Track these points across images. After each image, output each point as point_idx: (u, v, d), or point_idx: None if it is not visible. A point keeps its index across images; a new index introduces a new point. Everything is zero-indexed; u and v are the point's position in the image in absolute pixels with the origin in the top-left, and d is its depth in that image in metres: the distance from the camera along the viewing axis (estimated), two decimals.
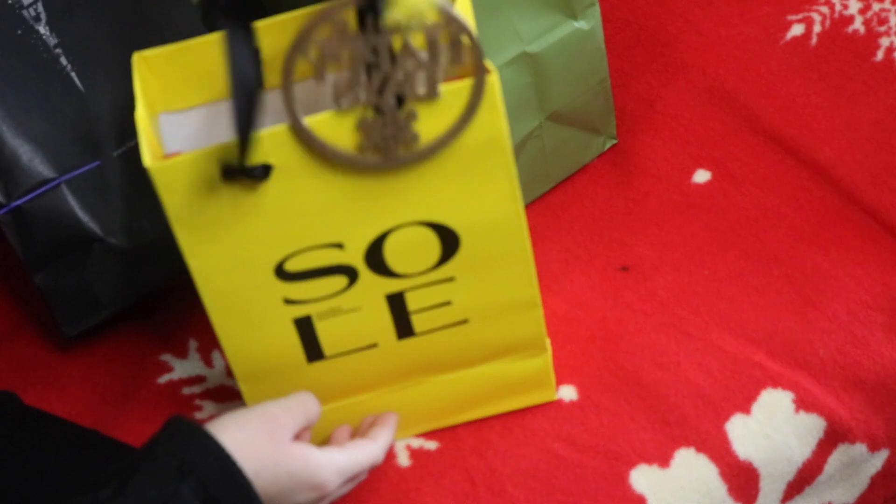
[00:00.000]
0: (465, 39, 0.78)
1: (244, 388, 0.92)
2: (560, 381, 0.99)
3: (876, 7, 1.19)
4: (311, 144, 0.80)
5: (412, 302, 0.89)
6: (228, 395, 1.02)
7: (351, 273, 0.87)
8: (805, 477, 0.99)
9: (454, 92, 0.80)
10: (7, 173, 0.96)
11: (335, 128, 0.80)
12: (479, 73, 0.79)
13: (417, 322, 0.90)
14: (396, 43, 0.78)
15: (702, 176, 1.12)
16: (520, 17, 1.02)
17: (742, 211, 1.09)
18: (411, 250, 0.86)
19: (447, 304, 0.90)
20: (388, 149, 0.81)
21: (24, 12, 0.95)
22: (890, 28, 1.17)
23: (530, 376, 0.96)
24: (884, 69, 1.15)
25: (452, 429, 0.97)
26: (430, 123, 0.80)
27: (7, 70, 0.95)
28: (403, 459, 0.96)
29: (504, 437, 0.96)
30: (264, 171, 0.80)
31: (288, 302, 0.87)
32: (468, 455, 0.96)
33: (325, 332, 0.90)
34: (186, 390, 1.03)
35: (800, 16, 1.20)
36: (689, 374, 0.98)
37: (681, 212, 1.09)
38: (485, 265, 0.88)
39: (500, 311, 0.91)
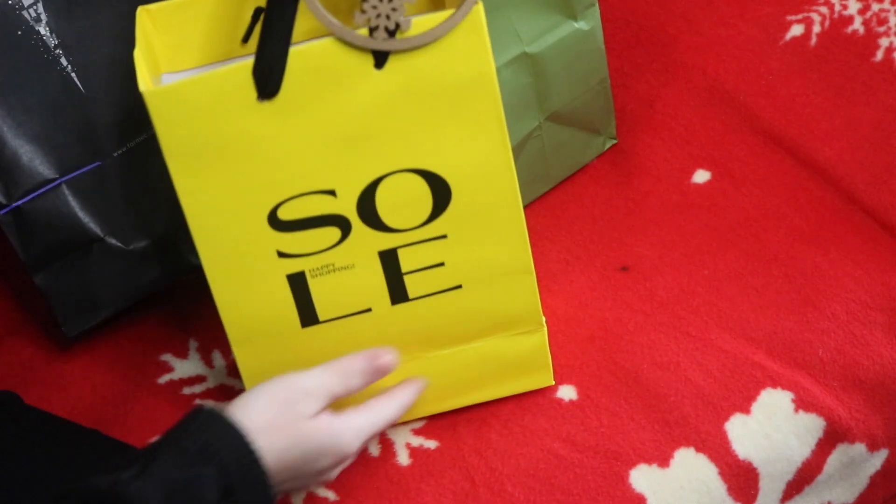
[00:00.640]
0: None
1: (238, 353, 0.93)
2: (560, 380, 0.99)
3: (875, 7, 1.19)
4: (315, 13, 0.82)
5: (405, 261, 0.90)
6: (229, 395, 1.02)
7: (344, 224, 0.88)
8: (805, 477, 0.99)
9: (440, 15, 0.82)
10: (7, 173, 0.96)
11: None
12: None
13: (411, 285, 0.91)
14: None
15: (701, 176, 1.12)
16: (519, 17, 1.02)
17: (742, 211, 1.09)
18: (403, 201, 0.87)
19: (440, 265, 0.90)
20: (380, 28, 0.82)
21: (25, 13, 0.95)
22: (889, 28, 1.17)
23: (527, 356, 0.96)
24: (883, 69, 1.15)
25: (452, 428, 0.98)
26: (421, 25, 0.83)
27: (7, 70, 0.95)
28: (403, 458, 0.96)
29: (504, 437, 0.96)
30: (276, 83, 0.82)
31: (281, 255, 0.88)
32: (468, 454, 0.96)
33: (319, 292, 0.90)
34: (187, 390, 1.03)
35: (799, 16, 1.20)
36: (688, 374, 0.98)
37: (681, 212, 1.09)
38: (476, 222, 0.89)
39: (494, 276, 0.91)
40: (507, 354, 0.95)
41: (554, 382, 0.98)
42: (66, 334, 1.03)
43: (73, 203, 0.99)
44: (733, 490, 0.96)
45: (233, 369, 1.03)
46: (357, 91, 0.84)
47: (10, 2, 0.94)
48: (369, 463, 0.96)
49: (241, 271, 0.89)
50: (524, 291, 0.93)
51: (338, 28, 0.82)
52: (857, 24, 1.18)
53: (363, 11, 0.82)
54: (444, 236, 0.89)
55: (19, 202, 0.97)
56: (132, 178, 1.00)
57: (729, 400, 0.97)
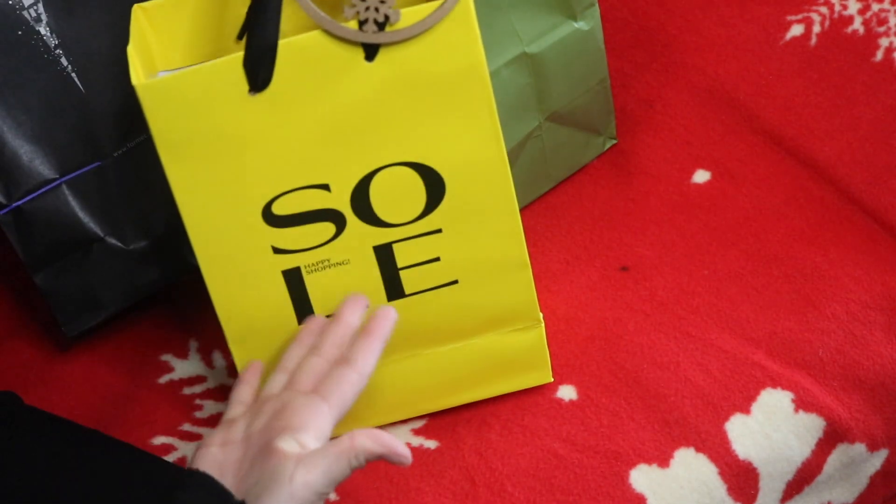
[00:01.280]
0: None
1: (235, 351, 0.93)
2: (560, 380, 0.99)
3: (875, 7, 1.19)
4: (304, 7, 0.82)
5: (401, 257, 0.90)
6: (229, 396, 1.02)
7: (338, 219, 0.88)
8: (804, 477, 0.99)
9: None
10: (7, 174, 0.96)
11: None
12: None
13: (407, 280, 0.91)
14: None
15: (701, 176, 1.12)
16: (519, 17, 1.02)
17: (742, 211, 1.09)
18: (397, 195, 0.88)
19: (436, 260, 0.90)
20: (370, 21, 0.83)
21: (25, 13, 0.95)
22: (889, 28, 1.17)
23: (525, 352, 0.96)
24: (883, 69, 1.15)
25: (452, 428, 0.98)
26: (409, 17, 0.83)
27: (7, 70, 0.95)
28: None
29: (504, 437, 0.96)
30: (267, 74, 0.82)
31: (276, 251, 0.88)
32: (468, 454, 0.96)
33: (315, 288, 0.90)
34: (187, 390, 1.03)
35: (799, 16, 1.20)
36: (688, 374, 0.98)
37: (681, 212, 1.09)
38: (471, 215, 0.89)
39: (490, 270, 0.92)
40: (505, 351, 0.95)
41: (553, 379, 0.98)
42: (66, 334, 1.03)
43: (73, 203, 0.99)
44: (733, 490, 0.96)
45: (233, 369, 1.03)
46: (348, 84, 0.84)
47: (10, 2, 0.94)
48: (369, 463, 0.95)
49: (236, 267, 0.89)
50: (521, 287, 0.93)
51: (327, 22, 0.82)
52: (857, 24, 1.18)
53: (352, 5, 0.82)
54: (439, 230, 0.89)
55: (19, 202, 0.97)
56: (132, 178, 1.00)
57: (729, 400, 0.97)
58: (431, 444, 0.97)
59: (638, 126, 1.16)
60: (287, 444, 0.82)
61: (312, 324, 0.92)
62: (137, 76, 0.83)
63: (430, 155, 0.87)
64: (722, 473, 0.95)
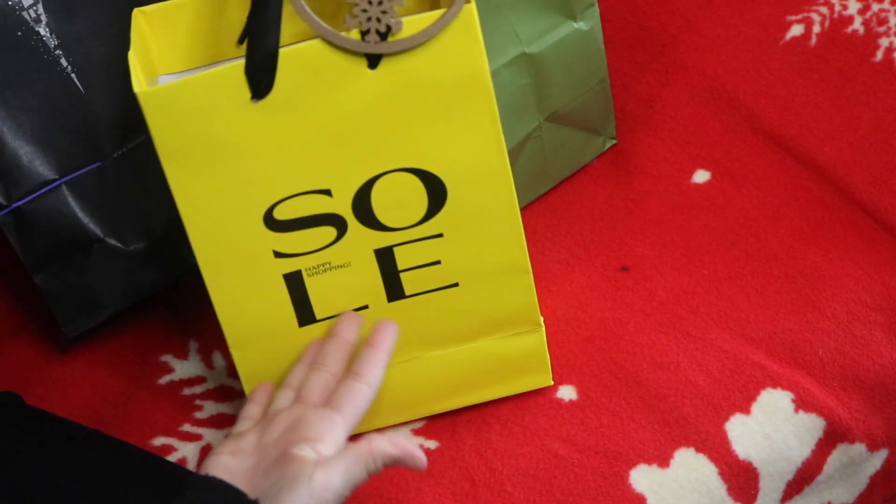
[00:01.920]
0: None
1: (236, 355, 0.93)
2: (560, 380, 0.99)
3: (875, 7, 1.19)
4: (306, 19, 0.82)
5: (401, 259, 0.90)
6: (229, 396, 1.02)
7: (340, 224, 0.88)
8: (804, 477, 0.99)
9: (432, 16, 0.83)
10: (7, 174, 0.96)
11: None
12: None
13: (407, 282, 0.91)
14: None
15: (701, 176, 1.12)
16: (519, 18, 1.02)
17: (742, 211, 1.09)
18: (398, 200, 0.88)
19: (436, 263, 0.91)
20: (371, 31, 0.82)
21: (25, 13, 0.95)
22: (889, 28, 1.17)
23: (525, 356, 0.96)
24: (883, 69, 1.15)
25: (452, 428, 0.98)
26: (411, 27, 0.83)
27: (7, 71, 0.95)
28: None
29: (504, 437, 0.96)
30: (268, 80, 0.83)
31: (277, 255, 0.88)
32: (468, 454, 0.96)
33: (316, 291, 0.90)
34: (187, 391, 1.03)
35: (799, 16, 1.20)
36: (688, 374, 0.98)
37: (680, 212, 1.09)
38: (472, 221, 0.89)
39: (490, 274, 0.92)
40: (505, 355, 0.95)
41: (553, 383, 0.98)
42: (66, 335, 1.03)
43: (73, 203, 0.99)
44: (733, 490, 0.96)
45: (233, 370, 1.03)
46: (351, 91, 0.84)
47: (10, 2, 0.94)
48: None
49: (237, 272, 0.89)
50: (521, 291, 0.93)
51: (329, 33, 0.82)
52: (857, 24, 1.18)
53: (354, 16, 0.82)
54: (440, 235, 0.89)
55: (19, 203, 0.97)
56: (132, 179, 1.00)
57: (729, 400, 0.97)
58: (431, 444, 0.97)
59: (638, 126, 1.16)
60: (304, 452, 0.84)
61: (314, 344, 0.93)
62: (139, 83, 0.83)
63: (433, 161, 0.87)
64: (722, 473, 0.95)
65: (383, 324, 0.92)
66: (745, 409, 0.97)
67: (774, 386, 0.98)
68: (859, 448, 1.00)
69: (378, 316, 0.92)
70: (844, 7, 1.19)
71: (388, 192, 0.87)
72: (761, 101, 1.15)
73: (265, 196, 0.86)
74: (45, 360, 1.07)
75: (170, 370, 1.05)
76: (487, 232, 0.90)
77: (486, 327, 0.94)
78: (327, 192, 0.87)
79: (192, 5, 0.91)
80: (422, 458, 0.85)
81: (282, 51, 0.82)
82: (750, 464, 0.96)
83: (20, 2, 0.95)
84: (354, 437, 0.88)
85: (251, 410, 0.93)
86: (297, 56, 0.83)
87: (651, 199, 1.11)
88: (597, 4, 1.06)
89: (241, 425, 0.92)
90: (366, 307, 0.92)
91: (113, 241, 1.01)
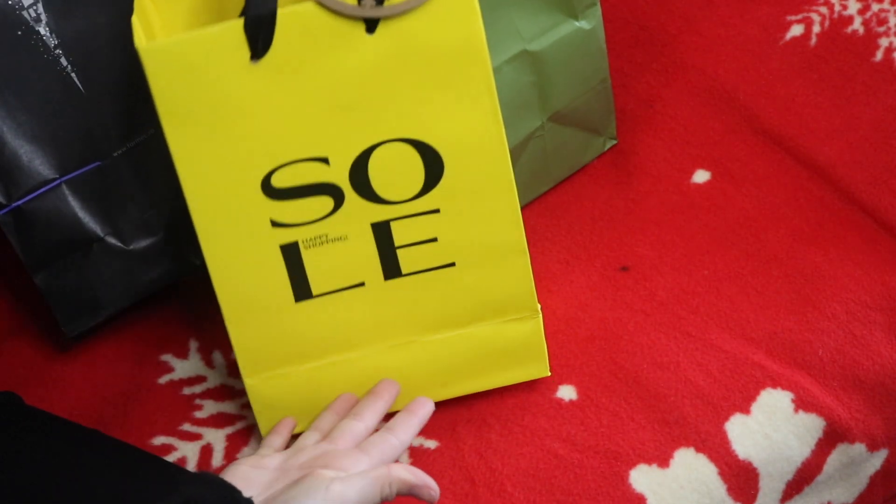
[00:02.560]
0: None
1: (232, 331, 0.93)
2: (560, 380, 0.99)
3: (875, 7, 1.19)
4: None
5: (398, 235, 0.90)
6: (229, 395, 1.02)
7: (337, 194, 0.88)
8: (804, 477, 0.99)
9: None
10: (7, 174, 0.96)
11: None
12: None
13: (404, 259, 0.91)
14: None
15: (701, 176, 1.12)
16: (520, 15, 1.02)
17: (742, 211, 1.09)
18: (396, 172, 0.88)
19: (433, 240, 0.91)
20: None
21: (25, 13, 0.95)
22: (889, 28, 1.17)
23: (522, 343, 0.96)
24: (883, 69, 1.15)
25: (452, 428, 0.98)
26: None
27: (7, 70, 0.95)
28: (403, 458, 0.96)
29: (504, 437, 0.97)
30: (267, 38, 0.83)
31: (275, 224, 0.89)
32: (468, 454, 0.96)
33: (313, 265, 0.91)
34: (187, 390, 1.03)
35: (799, 16, 1.20)
36: (688, 374, 0.98)
37: (680, 212, 1.09)
38: (469, 197, 0.89)
39: (487, 254, 0.92)
40: (501, 341, 0.96)
41: (550, 373, 0.98)
42: (66, 334, 1.03)
43: (73, 203, 0.99)
44: (733, 490, 0.96)
45: (233, 369, 1.03)
46: (349, 55, 0.84)
47: (10, 2, 0.94)
48: None
49: (235, 241, 0.89)
50: (518, 273, 0.93)
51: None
52: (857, 24, 1.18)
53: None
54: (437, 210, 0.90)
55: (19, 202, 0.97)
56: (132, 179, 1.00)
57: (729, 400, 0.97)
58: (431, 444, 0.97)
59: (638, 126, 1.16)
60: (327, 472, 0.86)
61: (346, 397, 0.96)
62: (140, 41, 0.84)
63: (429, 132, 0.87)
64: (722, 473, 0.95)
65: (421, 398, 0.95)
66: (745, 409, 0.97)
67: (774, 386, 0.98)
68: (859, 448, 1.00)
69: (374, 294, 0.92)
70: (844, 7, 1.19)
71: (385, 163, 0.88)
72: (761, 101, 1.15)
73: (263, 161, 0.87)
74: (45, 359, 1.07)
75: (170, 369, 1.05)
76: (484, 208, 0.90)
77: (483, 311, 0.94)
78: (325, 161, 0.87)
79: None
80: (436, 489, 0.87)
81: (280, 11, 0.83)
82: (750, 464, 0.96)
83: (20, 1, 0.94)
84: None
85: (274, 440, 0.95)
86: (295, 17, 0.83)
87: (651, 199, 1.11)
88: (598, 4, 1.05)
89: (264, 451, 0.94)
90: (362, 284, 0.92)
91: (113, 241, 1.01)
